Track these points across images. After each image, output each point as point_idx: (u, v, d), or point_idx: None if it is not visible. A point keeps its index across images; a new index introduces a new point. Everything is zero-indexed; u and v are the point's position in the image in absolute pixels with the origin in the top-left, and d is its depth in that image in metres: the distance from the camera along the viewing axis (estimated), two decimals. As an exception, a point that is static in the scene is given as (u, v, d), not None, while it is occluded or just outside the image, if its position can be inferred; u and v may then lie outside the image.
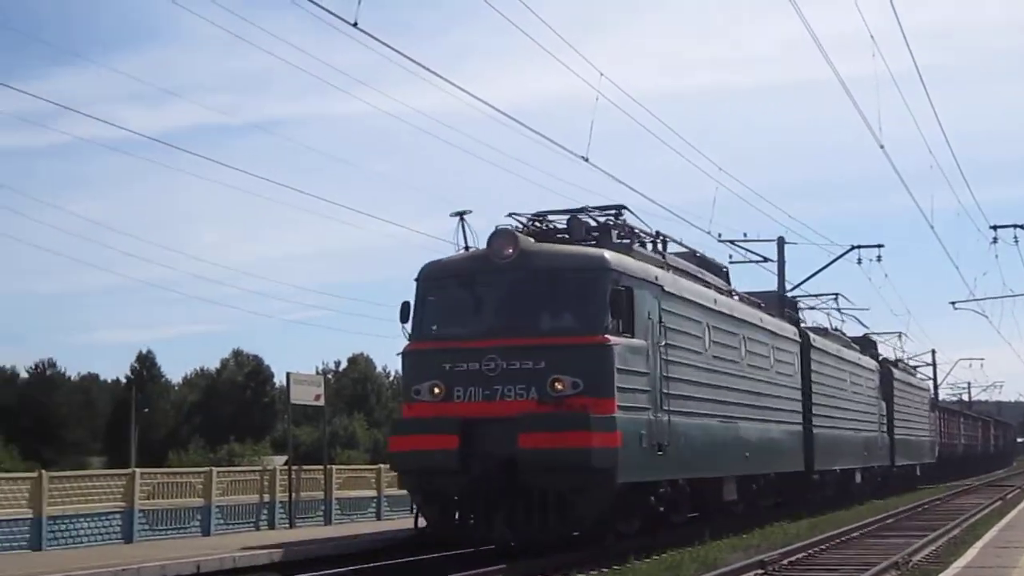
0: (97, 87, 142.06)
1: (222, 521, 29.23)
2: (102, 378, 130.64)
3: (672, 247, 27.55)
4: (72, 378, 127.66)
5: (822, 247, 59.42)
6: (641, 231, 25.48)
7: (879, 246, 50.42)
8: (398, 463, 22.51)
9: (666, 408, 23.31)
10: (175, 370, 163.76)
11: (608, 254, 22.40)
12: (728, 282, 30.85)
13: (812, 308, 44.90)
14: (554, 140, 25.75)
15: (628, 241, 24.39)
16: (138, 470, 28.38)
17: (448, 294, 22.72)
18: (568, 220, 24.17)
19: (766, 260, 46.09)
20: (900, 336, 60.89)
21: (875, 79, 47.03)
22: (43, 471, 26.15)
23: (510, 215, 23.77)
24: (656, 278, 23.63)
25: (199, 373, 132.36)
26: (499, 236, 22.22)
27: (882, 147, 35.55)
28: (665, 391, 23.35)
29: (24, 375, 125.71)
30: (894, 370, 49.90)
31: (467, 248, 23.17)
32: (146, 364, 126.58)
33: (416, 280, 22.97)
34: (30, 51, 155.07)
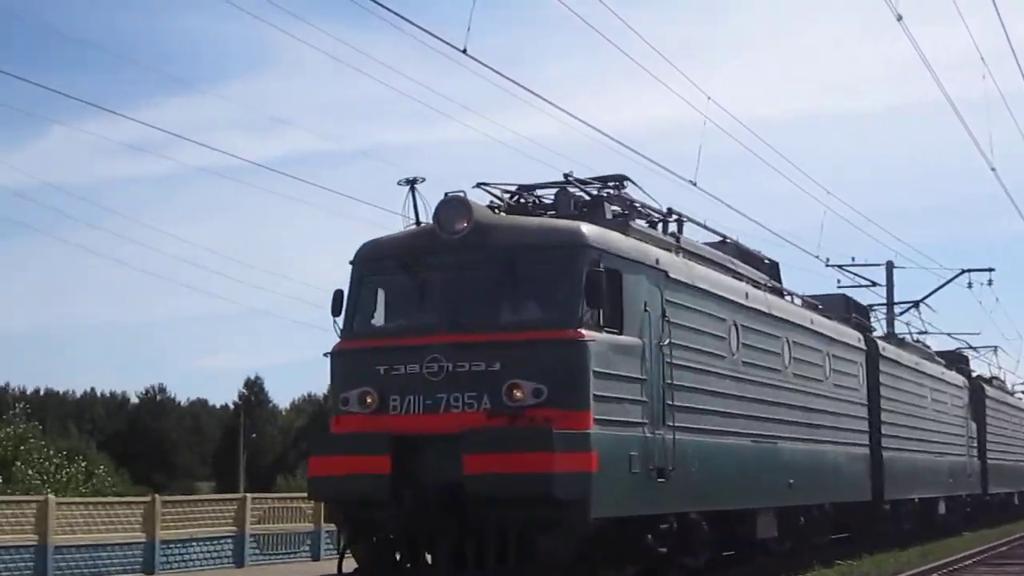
0: (206, 115, 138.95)
1: (331, 547, 27.94)
2: (211, 403, 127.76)
3: (701, 234, 21.94)
4: (182, 403, 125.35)
5: (931, 271, 55.61)
6: (648, 208, 19.90)
7: (990, 270, 48.82)
8: (315, 490, 17.02)
9: (670, 423, 17.67)
10: (283, 396, 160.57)
11: (586, 227, 16.86)
12: (778, 279, 25.04)
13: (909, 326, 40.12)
14: (662, 164, 23.88)
15: (626, 215, 18.83)
16: (249, 495, 27.96)
17: (387, 280, 17.32)
18: (556, 193, 18.70)
19: (874, 284, 43.56)
20: (996, 350, 54.20)
21: (985, 100, 43.62)
22: (156, 495, 25.90)
23: (479, 186, 18.34)
24: (658, 261, 18.01)
25: (306, 399, 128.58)
26: (447, 206, 16.77)
27: (993, 169, 33.66)
28: (669, 402, 17.72)
29: (135, 400, 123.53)
30: (987, 387, 43.26)
31: (418, 224, 17.70)
32: (254, 390, 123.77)
33: (351, 263, 17.60)
34: (140, 80, 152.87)
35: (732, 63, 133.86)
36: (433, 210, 16.89)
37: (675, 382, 17.91)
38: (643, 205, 19.72)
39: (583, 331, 15.96)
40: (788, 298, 25.26)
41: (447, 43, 18.27)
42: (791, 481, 22.27)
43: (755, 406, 20.95)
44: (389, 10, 17.49)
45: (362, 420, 16.41)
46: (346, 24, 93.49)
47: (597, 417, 15.90)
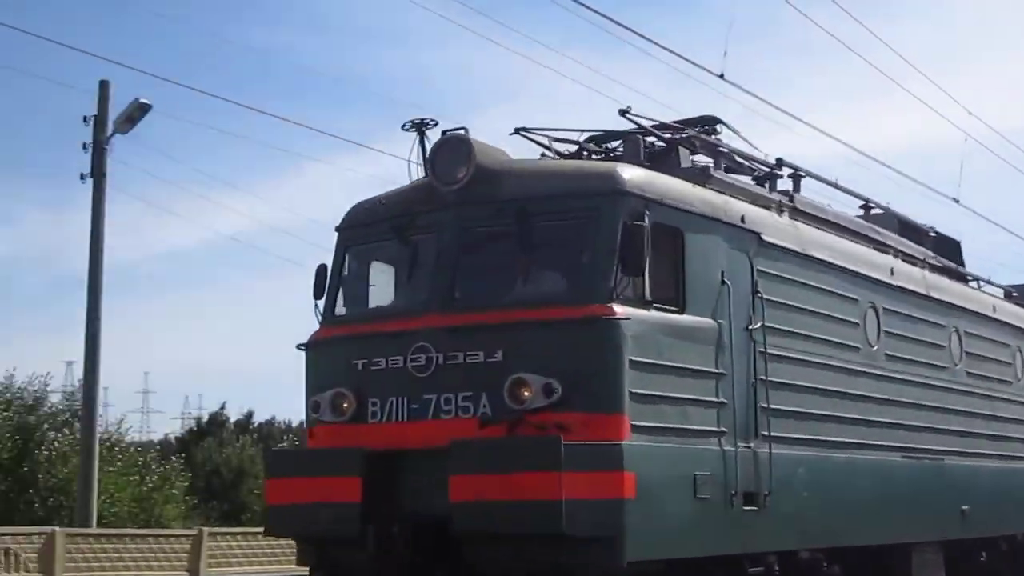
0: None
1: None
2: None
3: (836, 200, 16.81)
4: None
5: None
6: (750, 158, 14.94)
7: None
8: (274, 522, 12.52)
9: (765, 433, 12.67)
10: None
11: (626, 169, 12.07)
12: (959, 261, 19.56)
13: None
14: (921, 181, 22.18)
15: (709, 163, 13.94)
16: None
17: (378, 250, 12.87)
18: (623, 141, 13.94)
19: None
20: None
21: None
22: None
23: (517, 132, 13.71)
24: (744, 219, 13.04)
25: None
26: (443, 149, 12.20)
27: None
28: (764, 405, 12.75)
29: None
30: None
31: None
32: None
33: (336, 230, 13.16)
34: (392, 115, 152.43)
35: (996, 70, 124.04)
36: (427, 156, 12.32)
37: (772, 378, 12.94)
38: (742, 154, 14.77)
39: (615, 307, 11.19)
40: (974, 284, 19.78)
41: (704, 69, 17.73)
42: (964, 508, 16.84)
43: (908, 412, 15.72)
44: (645, 38, 16.90)
45: (336, 432, 12.07)
46: (599, 53, 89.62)
47: (636, 423, 11.14)
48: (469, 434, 11.07)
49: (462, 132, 12.12)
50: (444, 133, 12.26)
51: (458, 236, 11.93)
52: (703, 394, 12.03)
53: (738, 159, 14.75)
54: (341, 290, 12.80)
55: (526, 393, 11.04)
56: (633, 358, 11.20)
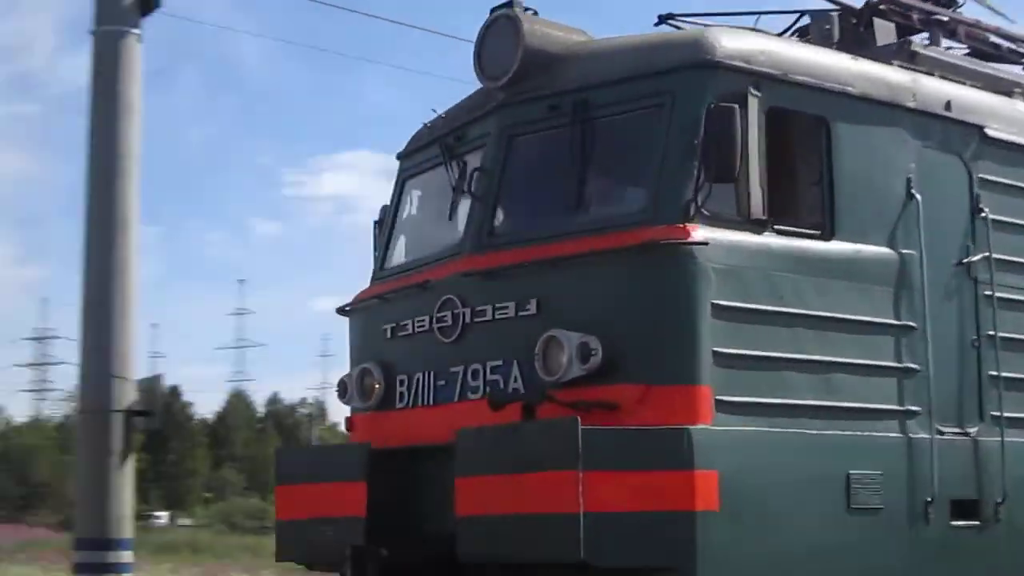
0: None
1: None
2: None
3: None
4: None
5: None
6: (1007, 35, 10.49)
7: None
8: (280, 546, 9.03)
9: (996, 414, 8.50)
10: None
11: (723, 35, 8.09)
12: None
13: None
14: None
15: (921, 37, 9.76)
16: None
17: (431, 181, 9.39)
18: (809, 22, 9.95)
19: None
20: None
21: None
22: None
23: (663, 20, 9.99)
24: (948, 106, 8.75)
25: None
26: (487, 34, 8.62)
27: None
28: (992, 373, 8.51)
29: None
30: None
31: None
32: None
33: (397, 159, 9.85)
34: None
35: None
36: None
37: (1007, 334, 8.64)
38: (996, 31, 10.36)
39: (691, 228, 7.35)
40: None
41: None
42: None
43: None
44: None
45: (367, 422, 8.91)
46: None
47: (725, 398, 7.35)
48: (484, 421, 7.58)
49: (511, 10, 8.52)
50: (492, 10, 8.70)
51: (503, 147, 8.41)
52: (870, 356, 7.97)
53: (993, 39, 10.35)
54: (402, 235, 9.53)
55: (562, 357, 7.42)
56: (718, 302, 7.35)
